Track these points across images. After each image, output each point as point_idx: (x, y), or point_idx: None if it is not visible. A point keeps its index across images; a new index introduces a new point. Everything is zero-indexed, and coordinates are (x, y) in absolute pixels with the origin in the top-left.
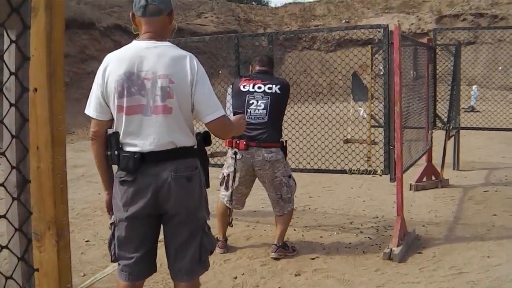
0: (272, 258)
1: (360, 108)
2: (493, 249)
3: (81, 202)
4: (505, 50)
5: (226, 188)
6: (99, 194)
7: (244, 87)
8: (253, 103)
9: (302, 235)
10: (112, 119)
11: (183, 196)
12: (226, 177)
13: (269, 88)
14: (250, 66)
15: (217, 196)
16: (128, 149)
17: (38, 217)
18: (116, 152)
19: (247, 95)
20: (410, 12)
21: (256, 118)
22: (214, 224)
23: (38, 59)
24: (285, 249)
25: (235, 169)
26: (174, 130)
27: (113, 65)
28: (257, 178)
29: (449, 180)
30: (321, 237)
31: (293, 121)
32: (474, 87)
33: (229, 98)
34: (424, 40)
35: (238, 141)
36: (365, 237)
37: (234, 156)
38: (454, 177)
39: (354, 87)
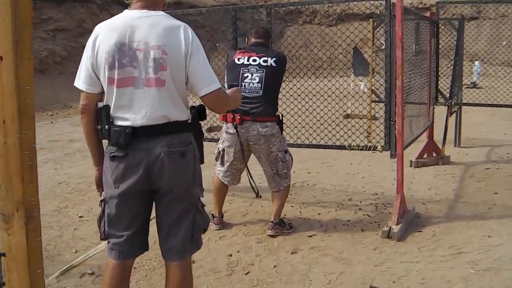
0: (268, 235)
1: (360, 83)
2: (494, 228)
3: (76, 177)
4: (509, 26)
5: (222, 164)
6: None
7: (238, 60)
8: (247, 76)
9: (300, 212)
10: (103, 92)
11: (176, 172)
12: (221, 152)
13: (264, 61)
14: (246, 38)
15: (214, 171)
16: (119, 123)
17: (6, 197)
18: (106, 126)
19: (242, 68)
20: None
21: (250, 92)
22: (209, 200)
23: (2, 24)
24: (281, 226)
25: (229, 143)
26: (167, 103)
27: (103, 35)
28: (252, 153)
29: (450, 157)
30: (319, 214)
31: (291, 95)
32: (476, 62)
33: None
34: (427, 15)
35: (233, 115)
36: (364, 215)
37: (229, 130)
38: (455, 154)
39: (355, 62)
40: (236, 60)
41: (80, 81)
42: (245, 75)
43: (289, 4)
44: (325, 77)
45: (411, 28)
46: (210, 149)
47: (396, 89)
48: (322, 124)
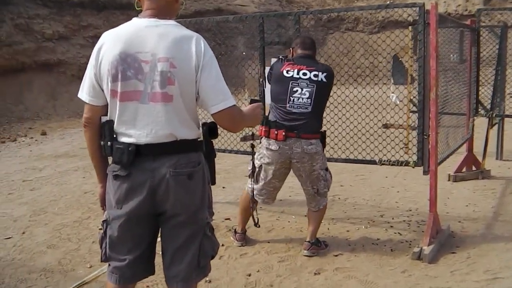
0: (304, 255)
1: (392, 94)
2: None
3: None
4: None
5: (256, 181)
6: None
7: (287, 72)
8: (297, 90)
9: (328, 229)
10: (107, 105)
11: (183, 195)
12: (258, 169)
13: (315, 76)
14: (292, 50)
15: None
16: (122, 139)
17: None
18: (109, 142)
19: (291, 82)
20: None
21: (299, 107)
22: (234, 213)
23: None
24: (318, 246)
25: (270, 160)
26: (174, 120)
27: (109, 44)
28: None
29: (491, 171)
30: (348, 231)
31: (331, 103)
32: None
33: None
34: (467, 22)
35: (276, 132)
36: (395, 233)
37: (270, 147)
38: (497, 167)
39: (394, 70)
40: (284, 72)
41: (84, 92)
42: (295, 89)
43: (318, 11)
44: (367, 84)
45: (449, 36)
46: (242, 160)
47: (430, 101)
48: (356, 134)
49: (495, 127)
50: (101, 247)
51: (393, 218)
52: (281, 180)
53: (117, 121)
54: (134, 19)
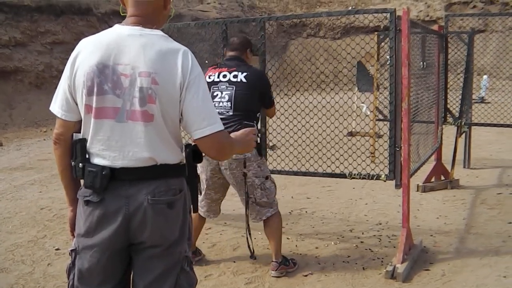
0: (272, 276)
1: (362, 104)
2: (510, 266)
3: (60, 202)
4: None
5: (199, 192)
6: None
7: (209, 77)
8: (217, 94)
9: (296, 246)
10: (81, 121)
11: (161, 225)
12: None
13: (234, 76)
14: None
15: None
16: (95, 161)
17: None
18: (80, 164)
19: (212, 86)
20: None
21: (221, 113)
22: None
23: None
24: (286, 265)
25: (201, 169)
26: (155, 142)
27: (85, 53)
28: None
29: (460, 180)
30: (317, 247)
31: (294, 111)
32: (484, 76)
33: None
34: (434, 28)
35: None
36: (366, 249)
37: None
38: (465, 176)
39: (359, 77)
40: (207, 77)
41: (56, 106)
42: (215, 93)
43: (285, 17)
44: (331, 90)
45: (418, 42)
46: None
47: (402, 112)
48: (320, 142)
49: (463, 135)
50: (68, 278)
51: (363, 233)
52: (218, 192)
53: (91, 140)
54: (116, 26)
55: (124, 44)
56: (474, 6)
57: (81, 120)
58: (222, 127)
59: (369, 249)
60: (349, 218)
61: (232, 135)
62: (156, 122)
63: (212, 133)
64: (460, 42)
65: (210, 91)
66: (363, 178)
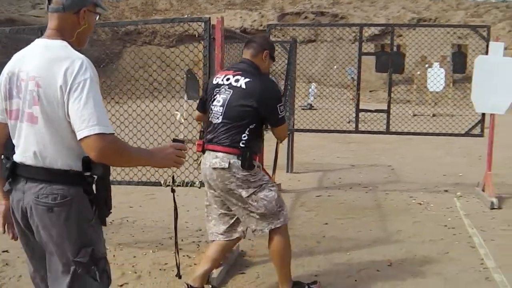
0: None
1: (176, 112)
2: (322, 266)
3: None
4: (344, 48)
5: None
6: None
7: (215, 80)
8: (215, 98)
9: (114, 256)
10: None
11: (46, 225)
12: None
13: (236, 81)
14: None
15: None
16: (13, 157)
17: None
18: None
19: (215, 89)
20: (253, 9)
21: (215, 117)
22: None
23: None
24: None
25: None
26: (40, 144)
27: (7, 64)
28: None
29: (281, 184)
30: (135, 257)
31: (126, 119)
32: (312, 84)
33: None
34: None
35: (199, 141)
36: (184, 256)
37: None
38: (287, 180)
39: (188, 85)
40: (213, 80)
41: None
42: (215, 97)
43: (101, 24)
44: (163, 98)
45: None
46: None
47: None
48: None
49: (285, 140)
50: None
51: (182, 240)
52: (220, 207)
53: (12, 136)
54: (36, 39)
55: (27, 54)
56: (306, 17)
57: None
58: (104, 131)
59: (187, 255)
60: (170, 226)
61: (153, 148)
62: (40, 125)
63: (90, 135)
64: (284, 51)
65: (212, 94)
66: (177, 186)
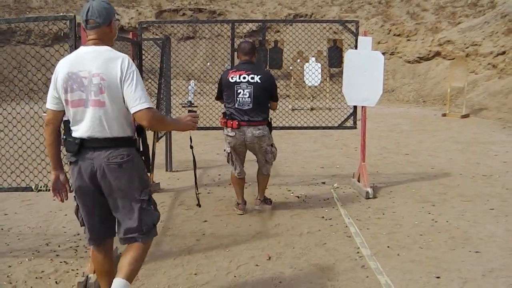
0: (255, 209)
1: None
2: (202, 264)
3: None
4: (221, 44)
5: (232, 163)
6: None
7: (232, 79)
8: (240, 92)
9: None
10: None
11: (115, 178)
12: (228, 154)
13: (252, 78)
14: (237, 54)
15: None
16: (74, 135)
17: None
18: (64, 136)
19: (235, 86)
20: (130, 6)
21: (244, 105)
22: None
23: None
24: (267, 203)
25: (231, 144)
26: (107, 121)
27: (61, 66)
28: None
29: (161, 183)
30: (10, 266)
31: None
32: (191, 82)
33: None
34: (129, 35)
35: (232, 122)
36: (61, 262)
37: (229, 134)
38: (167, 179)
39: None
40: (230, 79)
41: (48, 101)
42: (238, 91)
43: None
44: (39, 99)
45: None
46: None
47: None
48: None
49: (164, 139)
50: (77, 216)
51: (59, 246)
52: (242, 155)
53: (71, 121)
54: (81, 47)
55: (82, 58)
56: (184, 14)
57: (64, 110)
58: (150, 106)
59: (65, 261)
60: (47, 232)
61: (176, 117)
62: (107, 107)
63: (141, 109)
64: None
65: (234, 89)
66: (49, 190)
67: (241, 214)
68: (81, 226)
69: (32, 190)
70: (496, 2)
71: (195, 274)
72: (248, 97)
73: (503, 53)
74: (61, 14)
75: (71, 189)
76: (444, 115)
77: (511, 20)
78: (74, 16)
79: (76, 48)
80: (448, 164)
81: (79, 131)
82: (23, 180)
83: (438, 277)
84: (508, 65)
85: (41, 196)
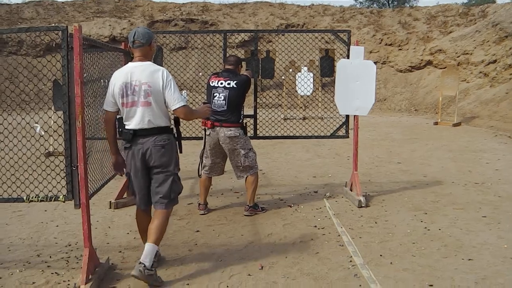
0: (245, 215)
1: (36, 125)
2: (194, 274)
3: None
4: (214, 54)
5: (202, 160)
6: None
7: (211, 83)
8: (216, 95)
9: None
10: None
11: (159, 157)
12: (202, 149)
13: (228, 83)
14: (224, 64)
15: None
16: (127, 127)
17: None
18: (120, 129)
19: (212, 89)
20: (122, 17)
21: (219, 107)
22: None
23: None
24: (255, 209)
25: (205, 143)
26: (153, 116)
27: (117, 77)
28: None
29: None
30: (1, 278)
31: None
32: (183, 92)
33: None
34: (121, 46)
35: (207, 121)
36: (52, 273)
37: (206, 133)
38: None
39: (55, 95)
40: (210, 83)
41: (105, 104)
42: (214, 94)
43: None
44: (31, 110)
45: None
46: None
47: (76, 130)
48: (12, 166)
49: None
50: (132, 193)
51: (50, 257)
52: (218, 157)
53: (125, 118)
54: (129, 63)
55: (133, 71)
56: (176, 24)
57: (118, 110)
58: (184, 103)
59: (56, 272)
60: (38, 243)
61: (196, 108)
62: (152, 106)
63: (179, 107)
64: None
65: (211, 92)
66: (41, 201)
67: (202, 214)
68: (132, 195)
69: (23, 201)
70: (487, 11)
71: (188, 284)
72: (223, 100)
73: (494, 61)
74: (53, 25)
75: (127, 169)
76: (436, 123)
77: (502, 29)
78: (67, 26)
79: (68, 58)
80: (440, 172)
81: (132, 124)
82: (14, 191)
83: (431, 285)
84: (499, 74)
85: (32, 206)
